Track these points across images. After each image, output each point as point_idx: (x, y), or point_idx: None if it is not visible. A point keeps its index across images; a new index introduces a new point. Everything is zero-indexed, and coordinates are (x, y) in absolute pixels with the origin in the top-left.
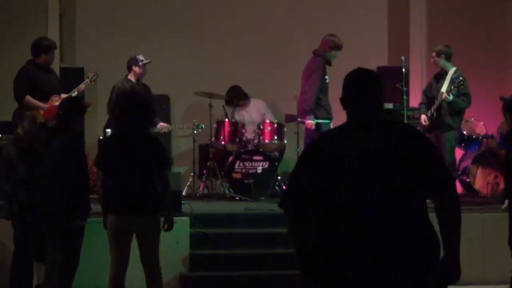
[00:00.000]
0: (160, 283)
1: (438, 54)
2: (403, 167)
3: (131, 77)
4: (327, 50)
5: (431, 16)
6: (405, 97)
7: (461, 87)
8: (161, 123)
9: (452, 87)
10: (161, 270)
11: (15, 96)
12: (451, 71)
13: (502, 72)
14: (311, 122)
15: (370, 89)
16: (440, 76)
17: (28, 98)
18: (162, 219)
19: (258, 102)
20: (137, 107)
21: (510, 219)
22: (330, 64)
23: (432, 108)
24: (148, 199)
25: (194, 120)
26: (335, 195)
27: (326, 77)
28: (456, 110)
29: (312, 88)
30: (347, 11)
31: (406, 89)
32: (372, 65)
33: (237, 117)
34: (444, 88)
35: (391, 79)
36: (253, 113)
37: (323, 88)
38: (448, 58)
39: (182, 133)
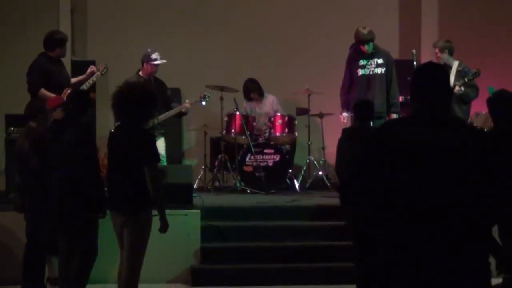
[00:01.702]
0: None
1: (442, 50)
2: (473, 168)
3: (143, 72)
4: (355, 43)
5: (442, 8)
6: None
7: (472, 78)
8: (183, 104)
9: (466, 79)
10: (136, 279)
11: (29, 89)
12: (455, 64)
13: None
14: (341, 116)
15: (443, 85)
16: None
17: (43, 91)
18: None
19: (271, 98)
20: (133, 102)
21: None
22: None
23: None
24: (130, 197)
25: (199, 92)
26: (409, 191)
27: (358, 70)
28: (465, 101)
29: (342, 82)
30: (359, 5)
31: None
32: None
33: (249, 110)
34: (450, 82)
35: (402, 72)
36: (266, 108)
37: (354, 81)
38: (451, 52)
39: (193, 124)
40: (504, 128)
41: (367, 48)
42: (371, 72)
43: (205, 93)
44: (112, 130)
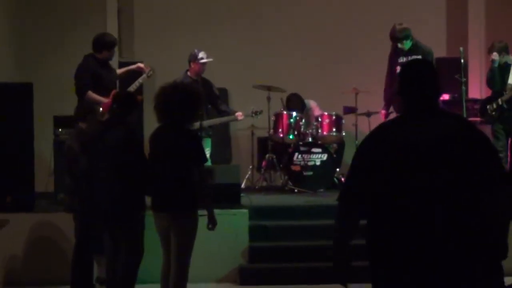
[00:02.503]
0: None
1: (499, 52)
2: (466, 161)
3: (191, 72)
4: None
5: (489, 6)
6: (463, 88)
7: None
8: (238, 113)
9: None
10: (185, 281)
11: (77, 91)
12: None
13: None
14: (381, 112)
15: (426, 80)
16: (503, 67)
17: (90, 93)
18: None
19: (312, 104)
20: (176, 102)
21: None
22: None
23: (500, 100)
24: (179, 197)
25: (252, 107)
26: (402, 190)
27: (397, 67)
28: None
29: (385, 79)
30: (406, 2)
31: (465, 80)
32: None
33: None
34: (511, 79)
35: (450, 70)
36: (310, 117)
37: (394, 78)
38: (507, 51)
39: (240, 125)
40: None
41: (400, 46)
42: None
43: (258, 109)
44: (154, 131)
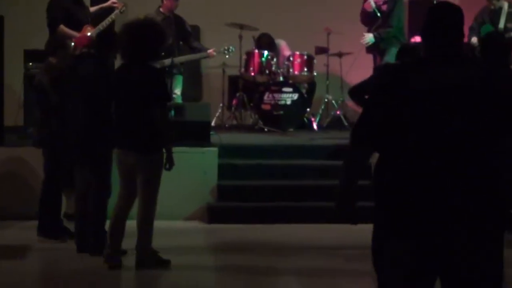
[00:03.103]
0: (147, 228)
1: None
2: (488, 108)
3: (163, 8)
4: None
5: None
6: None
7: None
8: (210, 50)
9: None
10: (152, 216)
11: (49, 25)
12: (505, 4)
13: None
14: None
15: (452, 24)
16: (493, 11)
17: (62, 27)
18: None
19: (282, 44)
20: (139, 40)
21: None
22: None
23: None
24: (143, 136)
25: (224, 44)
26: (413, 134)
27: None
28: None
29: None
30: None
31: None
32: None
33: None
34: (502, 24)
35: (422, 12)
36: (280, 55)
37: None
38: None
39: (212, 63)
40: None
41: None
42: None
43: (230, 46)
44: (117, 69)
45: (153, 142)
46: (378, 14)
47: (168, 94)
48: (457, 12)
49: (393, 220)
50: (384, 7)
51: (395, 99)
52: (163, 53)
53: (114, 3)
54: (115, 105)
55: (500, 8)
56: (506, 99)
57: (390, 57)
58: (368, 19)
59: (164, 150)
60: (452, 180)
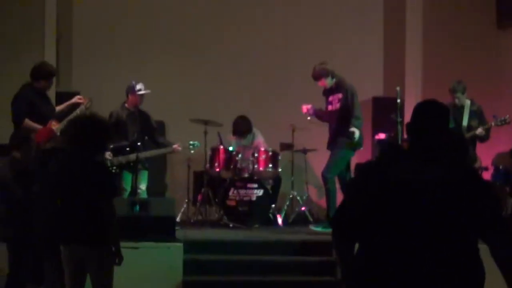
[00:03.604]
0: None
1: (463, 92)
2: (464, 206)
3: (128, 104)
4: None
5: (426, 46)
6: (399, 127)
7: (500, 124)
8: (175, 145)
9: (493, 123)
10: None
11: (13, 119)
12: (467, 103)
13: (497, 102)
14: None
15: (442, 122)
16: (455, 108)
17: (27, 121)
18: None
19: (258, 134)
20: (85, 133)
21: None
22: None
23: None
24: (91, 229)
25: (189, 140)
26: (396, 225)
27: (329, 105)
28: (481, 142)
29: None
30: (344, 42)
31: (401, 120)
32: (368, 95)
33: (234, 144)
34: (465, 122)
35: (386, 110)
36: (254, 143)
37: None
38: (464, 92)
39: (177, 158)
40: None
41: (320, 84)
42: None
43: (195, 142)
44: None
45: (100, 235)
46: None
47: (115, 187)
48: (443, 112)
49: None
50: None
51: (373, 193)
52: (127, 149)
53: (80, 99)
54: (59, 199)
55: (463, 106)
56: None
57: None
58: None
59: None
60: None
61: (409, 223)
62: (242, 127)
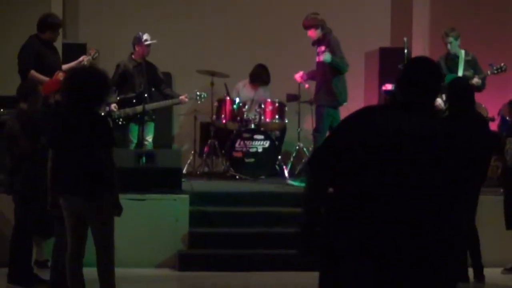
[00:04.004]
0: (109, 274)
1: (456, 38)
2: (447, 157)
3: (135, 55)
4: None
5: None
6: None
7: (496, 72)
8: (182, 97)
9: (489, 72)
10: (113, 256)
11: (20, 71)
12: (462, 53)
13: (506, 53)
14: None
15: (433, 78)
16: (450, 59)
17: (33, 72)
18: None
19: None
20: (83, 85)
21: (505, 205)
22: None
23: None
24: (89, 181)
25: (196, 90)
26: (371, 176)
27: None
28: (478, 91)
29: None
30: None
31: None
32: (375, 46)
33: (243, 95)
34: (460, 72)
35: (393, 60)
36: (261, 94)
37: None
38: (457, 41)
39: (183, 110)
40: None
41: (309, 34)
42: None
43: (202, 93)
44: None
45: (98, 187)
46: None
47: (113, 138)
48: (438, 68)
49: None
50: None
51: (359, 134)
52: (134, 100)
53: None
54: (58, 150)
55: (457, 57)
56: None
57: None
58: None
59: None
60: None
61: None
62: (264, 76)
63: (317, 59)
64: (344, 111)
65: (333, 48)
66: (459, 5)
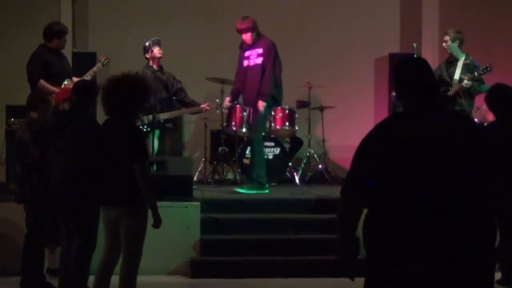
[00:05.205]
0: (130, 284)
1: (453, 40)
2: (468, 157)
3: (152, 62)
4: None
5: (443, 2)
6: None
7: (482, 73)
8: (203, 105)
9: (476, 74)
10: (136, 270)
11: (29, 80)
12: (462, 57)
13: None
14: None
15: (429, 76)
16: (450, 62)
17: (42, 82)
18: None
19: None
20: (121, 95)
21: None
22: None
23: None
24: (125, 190)
25: (217, 100)
26: (407, 182)
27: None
28: (472, 95)
29: None
30: None
31: None
32: (384, 52)
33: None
34: (457, 75)
35: None
36: None
37: None
38: (461, 44)
39: (194, 117)
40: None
41: (244, 37)
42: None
43: (218, 101)
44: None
45: (134, 195)
46: None
47: (146, 150)
48: (425, 66)
49: (384, 272)
50: None
51: (383, 151)
52: (157, 109)
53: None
54: (96, 160)
55: (457, 60)
56: (485, 147)
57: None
58: None
59: (149, 207)
60: (440, 225)
61: (420, 180)
62: None
63: (246, 63)
64: (355, 116)
65: (270, 50)
66: (469, 11)
